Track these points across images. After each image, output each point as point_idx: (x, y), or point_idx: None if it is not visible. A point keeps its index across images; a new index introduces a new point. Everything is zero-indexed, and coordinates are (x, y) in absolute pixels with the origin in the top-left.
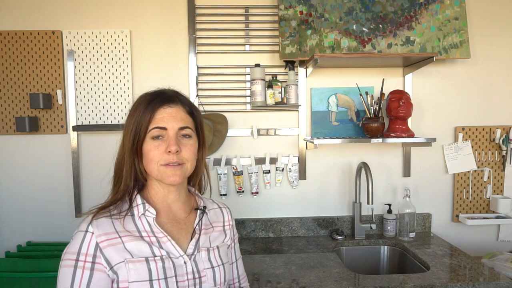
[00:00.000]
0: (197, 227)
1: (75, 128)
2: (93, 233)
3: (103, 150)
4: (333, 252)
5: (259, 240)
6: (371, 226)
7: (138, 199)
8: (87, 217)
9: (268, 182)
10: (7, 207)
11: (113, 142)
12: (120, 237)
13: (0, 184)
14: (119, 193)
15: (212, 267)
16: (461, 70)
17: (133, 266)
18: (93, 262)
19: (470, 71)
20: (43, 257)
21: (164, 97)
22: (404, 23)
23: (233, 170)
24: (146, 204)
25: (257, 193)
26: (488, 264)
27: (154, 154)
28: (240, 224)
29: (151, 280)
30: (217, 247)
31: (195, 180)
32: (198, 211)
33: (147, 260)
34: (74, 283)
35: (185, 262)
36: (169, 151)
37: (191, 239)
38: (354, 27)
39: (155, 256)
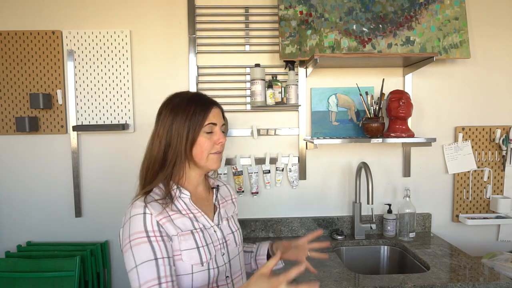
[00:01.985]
0: (216, 202)
1: (75, 128)
2: (151, 214)
3: (103, 150)
4: (333, 252)
5: (259, 240)
6: (371, 226)
7: (173, 185)
8: (135, 204)
9: (268, 182)
10: (7, 207)
11: (113, 142)
12: (169, 215)
13: (0, 184)
14: (158, 181)
15: (232, 232)
16: (461, 70)
17: (183, 238)
18: (161, 236)
19: (470, 71)
20: (43, 257)
21: (210, 100)
22: (404, 23)
23: (233, 170)
24: (181, 187)
25: (257, 193)
26: (488, 264)
27: (208, 145)
28: (240, 224)
29: (197, 248)
30: (232, 216)
31: None
32: (214, 190)
33: (192, 232)
34: (156, 253)
35: (215, 231)
36: (220, 142)
37: (214, 213)
38: (354, 27)
39: (195, 228)
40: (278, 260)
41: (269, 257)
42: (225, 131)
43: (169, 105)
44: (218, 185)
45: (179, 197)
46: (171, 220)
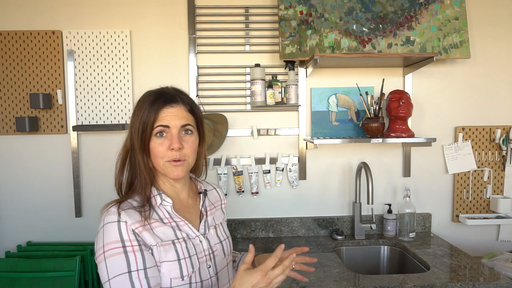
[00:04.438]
0: (202, 209)
1: (75, 128)
2: (126, 222)
3: (103, 150)
4: (333, 252)
5: (259, 240)
6: (371, 226)
7: (154, 191)
8: (109, 210)
9: (268, 182)
10: (7, 207)
11: (113, 142)
12: (149, 224)
13: (0, 184)
14: (138, 187)
15: (221, 242)
16: (461, 70)
17: (163, 248)
18: (139, 245)
19: (470, 71)
20: (43, 257)
21: (166, 97)
22: (404, 23)
23: (233, 170)
24: (162, 195)
25: (257, 193)
26: (488, 264)
27: (159, 150)
28: (240, 224)
29: (178, 260)
30: (221, 223)
31: (196, 171)
32: (201, 195)
33: (173, 242)
34: (131, 265)
35: (200, 241)
36: (172, 148)
37: (200, 221)
38: (354, 27)
39: (177, 238)
40: (253, 254)
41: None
42: (193, 131)
43: (137, 103)
44: (205, 190)
45: (161, 204)
46: (150, 229)
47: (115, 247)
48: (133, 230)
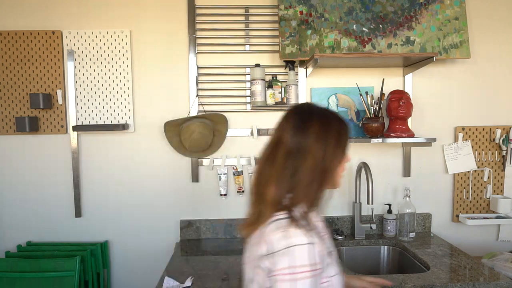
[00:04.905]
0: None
1: (75, 128)
2: (316, 243)
3: (103, 150)
4: None
5: None
6: (371, 226)
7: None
8: (297, 231)
9: None
10: (7, 207)
11: (113, 142)
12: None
13: (0, 184)
14: (313, 206)
15: None
16: (461, 70)
17: (331, 261)
18: (321, 268)
19: (470, 71)
20: (43, 257)
21: None
22: (404, 23)
23: (233, 170)
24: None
25: None
26: (488, 264)
27: (342, 170)
28: (240, 224)
29: (338, 274)
30: None
31: None
32: None
33: (330, 253)
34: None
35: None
36: (347, 161)
37: None
38: (354, 27)
39: (330, 251)
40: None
41: None
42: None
43: (332, 126)
44: None
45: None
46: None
47: (305, 271)
48: (318, 252)
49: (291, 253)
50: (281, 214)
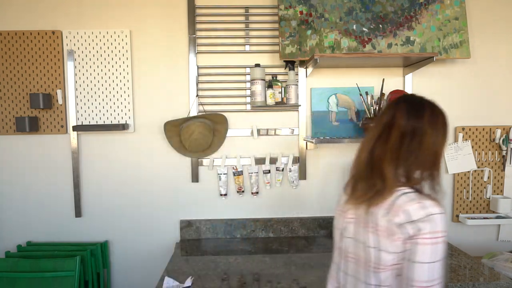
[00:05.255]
0: None
1: (75, 128)
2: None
3: (103, 150)
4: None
5: (259, 240)
6: None
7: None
8: (435, 202)
9: (268, 182)
10: (7, 207)
11: (113, 142)
12: None
13: (0, 184)
14: (435, 184)
15: None
16: (461, 70)
17: None
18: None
19: (470, 71)
20: (43, 257)
21: None
22: (404, 23)
23: (233, 170)
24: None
25: (257, 193)
26: (488, 264)
27: None
28: (240, 224)
29: None
30: None
31: None
32: None
33: None
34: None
35: None
36: None
37: None
38: (354, 27)
39: None
40: None
41: None
42: None
43: (440, 114)
44: None
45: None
46: None
47: (443, 236)
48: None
49: (432, 221)
50: (406, 189)
